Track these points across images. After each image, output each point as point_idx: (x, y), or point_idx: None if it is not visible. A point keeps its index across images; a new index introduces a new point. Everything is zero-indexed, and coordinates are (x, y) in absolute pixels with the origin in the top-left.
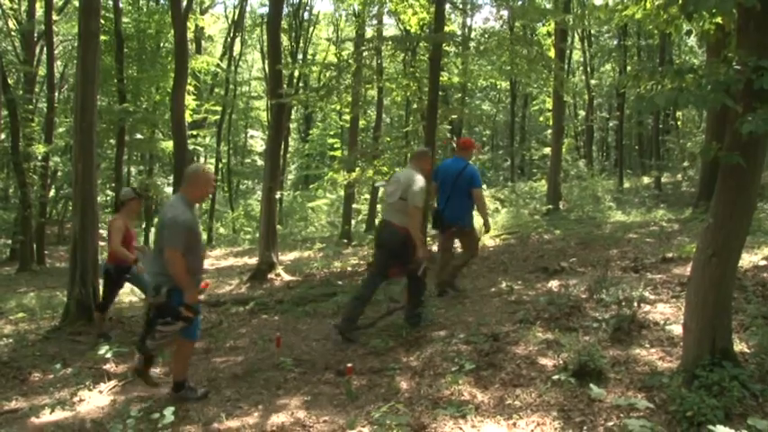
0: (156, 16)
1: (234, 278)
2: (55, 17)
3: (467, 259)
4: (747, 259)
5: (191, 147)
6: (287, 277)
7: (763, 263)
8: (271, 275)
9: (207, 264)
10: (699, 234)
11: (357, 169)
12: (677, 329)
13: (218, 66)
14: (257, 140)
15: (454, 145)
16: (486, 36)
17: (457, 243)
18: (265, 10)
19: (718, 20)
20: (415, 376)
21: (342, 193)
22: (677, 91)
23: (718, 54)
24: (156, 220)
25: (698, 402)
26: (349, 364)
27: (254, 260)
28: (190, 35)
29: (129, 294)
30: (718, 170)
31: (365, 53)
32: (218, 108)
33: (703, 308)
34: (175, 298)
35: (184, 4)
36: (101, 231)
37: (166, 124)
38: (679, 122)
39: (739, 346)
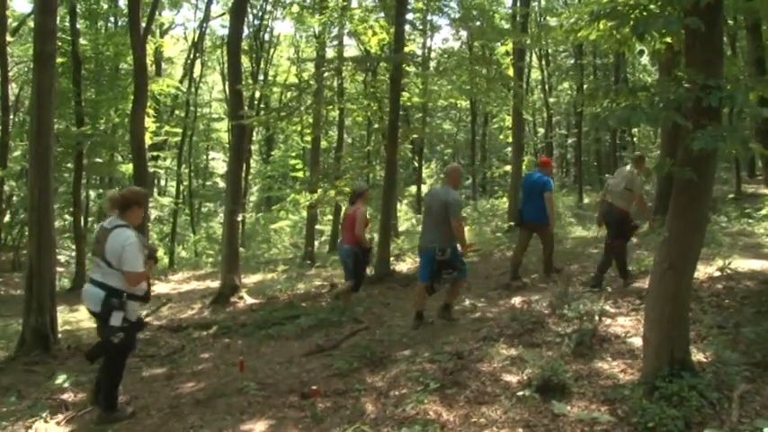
0: (114, 38)
1: (196, 302)
2: (9, 38)
3: (549, 251)
4: (703, 271)
5: (151, 169)
6: (250, 300)
7: (717, 274)
8: (234, 298)
9: (168, 288)
10: (656, 247)
11: (319, 190)
12: (637, 342)
13: (178, 88)
14: (219, 162)
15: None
16: (446, 56)
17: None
18: (226, 31)
19: (668, 39)
20: (381, 397)
21: (304, 214)
22: (630, 110)
23: (669, 73)
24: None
25: (659, 413)
26: (313, 387)
27: (216, 283)
28: (149, 57)
29: (88, 320)
30: (672, 185)
31: (326, 74)
32: (179, 130)
33: (661, 320)
34: (454, 256)
35: (143, 25)
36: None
37: (126, 147)
38: (635, 139)
39: (697, 356)
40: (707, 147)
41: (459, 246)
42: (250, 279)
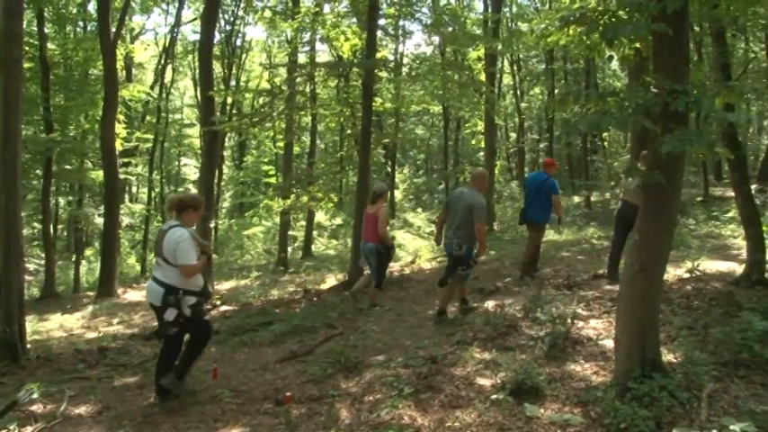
0: (84, 43)
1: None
2: None
3: (533, 249)
4: (672, 273)
5: (122, 176)
6: (223, 307)
7: (686, 276)
8: (207, 306)
9: (140, 296)
10: (627, 250)
11: (292, 196)
12: (609, 344)
13: (148, 93)
14: (191, 168)
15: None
16: (418, 61)
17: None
18: (197, 37)
19: (637, 45)
20: (355, 402)
21: (278, 220)
22: (600, 115)
23: (638, 78)
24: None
25: (631, 414)
26: (288, 393)
27: None
28: (119, 62)
29: (58, 330)
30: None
31: (298, 79)
32: (150, 136)
33: (632, 321)
34: (469, 253)
35: (113, 30)
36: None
37: (96, 153)
38: (606, 143)
39: (667, 357)
40: (675, 150)
41: (477, 246)
42: (223, 286)
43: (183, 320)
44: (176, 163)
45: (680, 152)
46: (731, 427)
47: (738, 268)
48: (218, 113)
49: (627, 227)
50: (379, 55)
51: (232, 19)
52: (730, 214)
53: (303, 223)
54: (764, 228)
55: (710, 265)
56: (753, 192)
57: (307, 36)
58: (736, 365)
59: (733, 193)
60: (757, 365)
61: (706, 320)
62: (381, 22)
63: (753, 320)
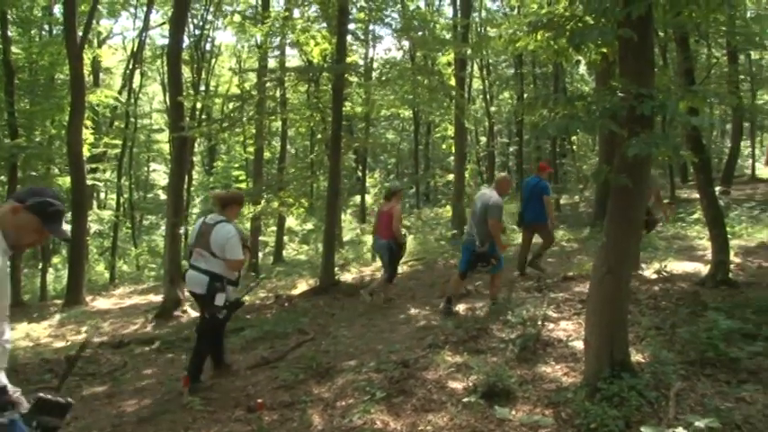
0: (49, 47)
1: (138, 317)
2: None
3: (546, 246)
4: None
5: (90, 182)
6: (194, 313)
7: (654, 276)
8: (177, 312)
9: (109, 304)
10: (595, 252)
11: (263, 201)
12: (580, 345)
13: (116, 98)
14: (160, 174)
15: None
16: (388, 66)
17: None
18: (166, 41)
19: (604, 50)
20: (327, 408)
21: (248, 225)
22: (568, 119)
23: (605, 82)
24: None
25: (601, 414)
26: (259, 400)
27: (159, 297)
28: (86, 67)
29: (24, 339)
30: (609, 191)
31: (268, 84)
32: (118, 142)
33: (601, 323)
34: (491, 250)
35: (80, 34)
36: None
37: (63, 159)
38: (574, 146)
39: (636, 357)
40: (641, 153)
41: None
42: None
43: (229, 304)
44: (145, 168)
45: (646, 155)
46: (696, 424)
47: (704, 269)
48: (187, 119)
49: None
50: (349, 59)
51: (201, 23)
52: (696, 216)
53: (274, 228)
54: (728, 229)
55: (677, 266)
56: (717, 194)
57: (276, 41)
58: (702, 364)
59: (698, 196)
60: (722, 363)
61: (673, 320)
62: (351, 26)
63: (718, 320)
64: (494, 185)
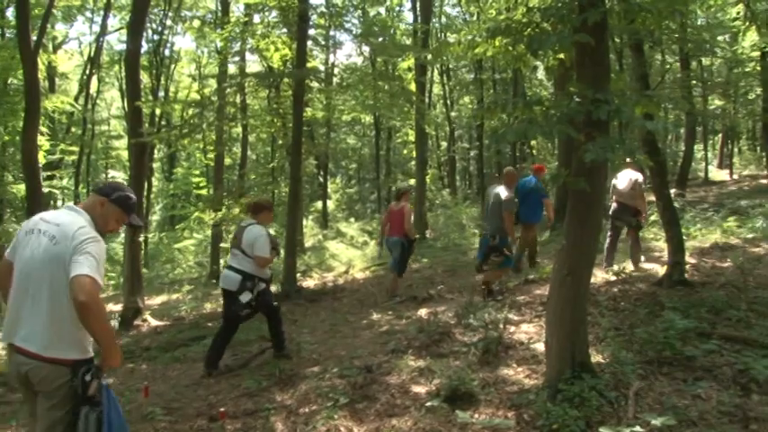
0: (2, 51)
1: None
2: None
3: (531, 246)
4: (600, 276)
5: (46, 189)
6: (154, 322)
7: (613, 278)
8: (137, 321)
9: None
10: (555, 255)
11: (224, 208)
12: (541, 347)
13: (73, 104)
14: (119, 181)
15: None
16: (349, 72)
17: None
18: (123, 46)
19: (561, 56)
20: (291, 415)
21: (209, 232)
22: (527, 123)
23: (563, 87)
24: None
25: (562, 415)
26: (222, 409)
27: (118, 306)
28: (41, 72)
29: None
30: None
31: (228, 90)
32: (76, 148)
33: (561, 325)
34: (502, 242)
35: (34, 39)
36: None
37: (18, 166)
38: (534, 151)
39: (596, 358)
40: (598, 158)
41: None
42: (154, 300)
43: (255, 303)
44: (104, 175)
45: (603, 160)
46: (653, 423)
47: (661, 269)
48: (146, 125)
49: (626, 224)
50: (309, 65)
51: (160, 28)
52: (652, 218)
53: None
54: (683, 231)
55: (634, 267)
56: (672, 196)
57: (236, 46)
58: (659, 363)
59: (654, 198)
60: (679, 362)
61: (632, 321)
62: (311, 32)
63: (674, 319)
64: (502, 180)
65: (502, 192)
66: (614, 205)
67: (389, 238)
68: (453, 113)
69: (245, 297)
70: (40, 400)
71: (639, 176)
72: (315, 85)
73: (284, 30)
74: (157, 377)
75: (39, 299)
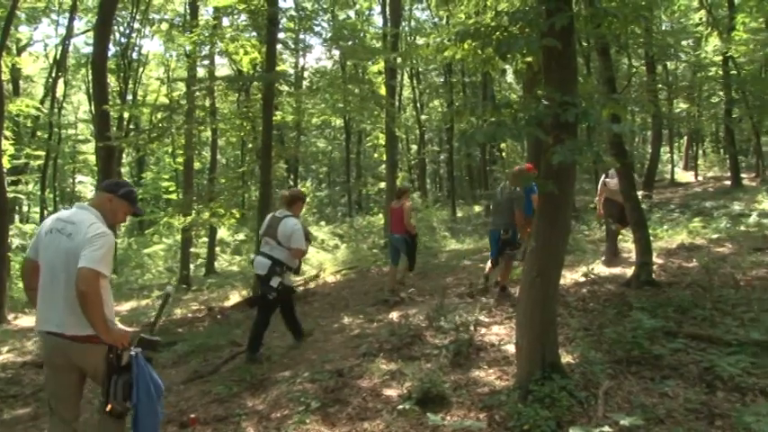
0: None
1: None
2: None
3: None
4: (569, 277)
5: (10, 194)
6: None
7: (582, 279)
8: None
9: (33, 322)
10: (525, 257)
11: (193, 212)
12: (512, 348)
13: (38, 108)
14: (87, 186)
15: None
16: (319, 75)
17: None
18: (90, 49)
19: (529, 59)
20: (262, 420)
21: (179, 237)
22: (496, 126)
23: (532, 91)
24: None
25: (533, 416)
26: (192, 415)
27: None
28: (5, 75)
29: None
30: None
31: (197, 93)
32: (42, 153)
33: (531, 326)
34: (513, 236)
35: None
36: None
37: None
38: (504, 153)
39: (566, 358)
40: (566, 160)
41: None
42: (123, 307)
43: (282, 288)
44: (71, 180)
45: (571, 162)
46: (621, 422)
47: (629, 270)
48: (114, 129)
49: (615, 221)
50: (279, 68)
51: (127, 31)
52: None
53: (205, 240)
54: (651, 231)
55: (604, 269)
56: (639, 198)
57: (206, 50)
58: (628, 362)
59: (622, 200)
60: (647, 361)
61: (601, 321)
62: (281, 35)
63: (642, 319)
64: (508, 177)
65: (514, 190)
66: (604, 202)
67: (393, 235)
68: (423, 116)
69: (275, 282)
70: (88, 375)
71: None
72: (284, 88)
73: (254, 33)
74: None
75: (64, 288)
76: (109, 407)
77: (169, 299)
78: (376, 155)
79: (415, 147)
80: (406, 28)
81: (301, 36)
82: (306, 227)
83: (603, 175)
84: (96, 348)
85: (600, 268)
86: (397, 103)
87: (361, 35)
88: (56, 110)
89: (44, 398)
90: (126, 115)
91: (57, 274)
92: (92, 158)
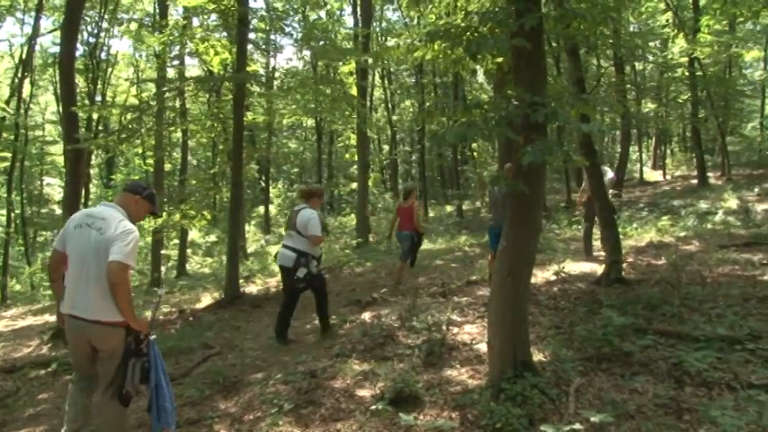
0: None
1: (33, 339)
2: None
3: None
4: (540, 276)
5: None
6: None
7: (553, 278)
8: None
9: (1, 326)
10: (497, 257)
11: (164, 214)
12: (484, 347)
13: (3, 109)
14: (55, 188)
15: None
16: (290, 76)
17: None
18: (57, 49)
19: (499, 60)
20: (235, 423)
21: (149, 239)
22: (466, 126)
23: (502, 91)
24: None
25: (505, 414)
26: None
27: (55, 317)
28: None
29: None
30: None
31: (167, 94)
32: (8, 154)
33: (503, 325)
34: None
35: None
36: None
37: None
38: (475, 153)
39: (538, 356)
40: (536, 161)
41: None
42: None
43: (309, 278)
44: (38, 182)
45: (541, 162)
46: (592, 419)
47: (599, 268)
48: (82, 130)
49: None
50: (250, 69)
51: (96, 31)
52: None
53: (176, 241)
54: (620, 230)
55: (574, 267)
56: (609, 197)
57: (175, 50)
58: (599, 359)
59: (592, 199)
60: (617, 358)
61: (572, 319)
62: (252, 35)
63: (612, 316)
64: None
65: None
66: (588, 198)
67: (400, 232)
68: (395, 117)
69: (301, 272)
70: (101, 355)
71: (610, 172)
72: (256, 89)
73: (224, 33)
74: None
75: (92, 277)
76: (124, 390)
77: (161, 299)
78: (347, 155)
79: (386, 147)
80: (377, 29)
81: (272, 36)
82: (323, 218)
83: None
84: (117, 332)
85: (570, 266)
86: (368, 104)
87: (333, 36)
88: (22, 111)
89: (11, 404)
90: (95, 116)
91: (86, 265)
92: (60, 160)
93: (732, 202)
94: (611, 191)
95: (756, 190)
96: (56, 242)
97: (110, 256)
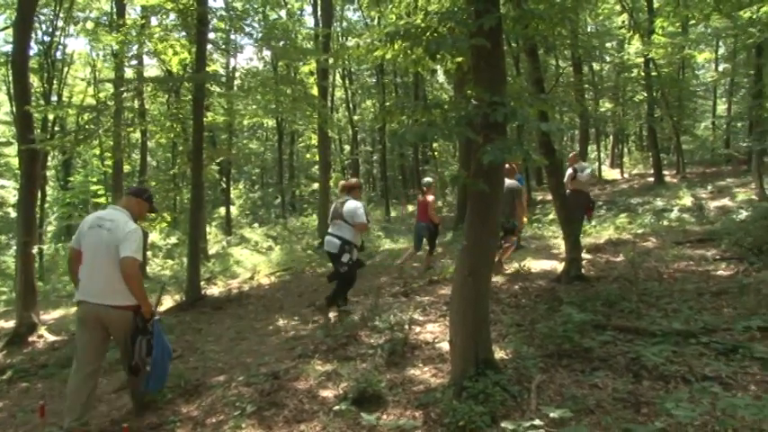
0: None
1: None
2: None
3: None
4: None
5: None
6: (51, 338)
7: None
8: (32, 338)
9: None
10: (458, 256)
11: None
12: (446, 346)
13: None
14: (9, 190)
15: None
16: (250, 76)
17: None
18: (10, 47)
19: (459, 60)
20: (197, 426)
21: None
22: (426, 126)
23: (463, 91)
24: None
25: (468, 411)
26: (125, 425)
27: (11, 323)
28: None
29: None
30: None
31: (126, 94)
32: None
33: (464, 324)
34: (514, 225)
35: None
36: None
37: None
38: (436, 153)
39: (499, 354)
40: (496, 159)
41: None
42: (51, 315)
43: (352, 263)
44: None
45: (501, 161)
46: (551, 415)
47: (559, 266)
48: (38, 131)
49: (583, 210)
50: (209, 69)
51: (51, 29)
52: (551, 216)
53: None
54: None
55: (535, 265)
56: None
57: (133, 49)
58: (559, 356)
59: (551, 197)
60: (577, 354)
61: (532, 317)
62: (211, 35)
63: (572, 313)
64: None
65: (511, 183)
66: (571, 192)
67: (418, 223)
68: (356, 117)
69: (345, 258)
70: (114, 335)
71: (588, 168)
72: (215, 89)
73: (183, 33)
74: (55, 395)
75: (104, 268)
76: (133, 363)
77: (164, 288)
78: (309, 155)
79: (347, 147)
80: (338, 29)
81: (232, 36)
82: (367, 208)
83: (571, 169)
84: (127, 314)
85: (531, 264)
86: (329, 104)
87: (293, 36)
88: None
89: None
90: (51, 117)
91: (98, 259)
92: (14, 161)
93: (687, 200)
94: (569, 189)
95: (709, 188)
96: (73, 241)
97: (122, 254)
